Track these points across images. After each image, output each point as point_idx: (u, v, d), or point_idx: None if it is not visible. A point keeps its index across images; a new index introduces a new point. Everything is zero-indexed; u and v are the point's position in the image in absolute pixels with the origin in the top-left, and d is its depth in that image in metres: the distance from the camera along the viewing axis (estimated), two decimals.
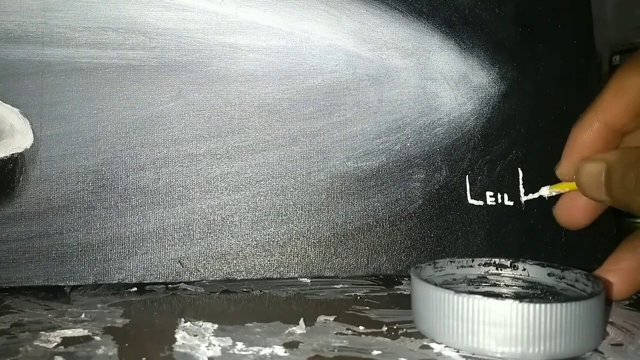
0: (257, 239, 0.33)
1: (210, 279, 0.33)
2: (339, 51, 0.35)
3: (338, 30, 0.35)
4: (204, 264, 0.32)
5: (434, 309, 0.24)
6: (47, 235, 0.31)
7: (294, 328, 0.26)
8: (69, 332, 0.25)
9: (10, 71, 0.32)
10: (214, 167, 0.33)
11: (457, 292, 0.23)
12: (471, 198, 0.35)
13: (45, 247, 0.31)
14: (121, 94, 0.33)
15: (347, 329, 0.26)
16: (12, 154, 0.32)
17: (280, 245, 0.33)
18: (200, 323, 0.26)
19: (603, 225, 0.33)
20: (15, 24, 0.32)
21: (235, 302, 0.31)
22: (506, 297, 0.26)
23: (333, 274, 0.33)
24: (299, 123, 0.34)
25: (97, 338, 0.24)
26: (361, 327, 0.26)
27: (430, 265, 0.28)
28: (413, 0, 0.35)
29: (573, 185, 0.31)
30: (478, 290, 0.29)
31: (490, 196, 0.35)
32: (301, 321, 0.26)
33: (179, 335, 0.25)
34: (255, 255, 0.33)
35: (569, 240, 0.35)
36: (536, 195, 0.34)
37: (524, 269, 0.29)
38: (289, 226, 0.33)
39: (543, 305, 0.22)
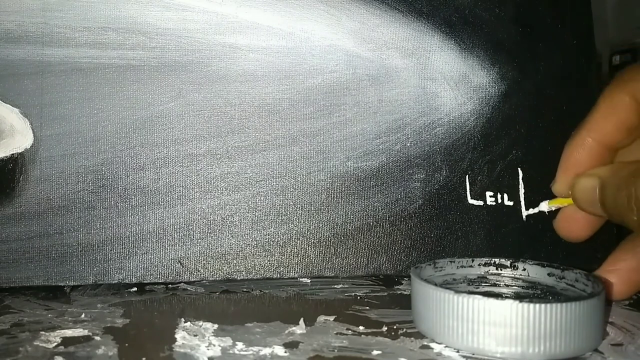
0: (257, 239, 0.33)
1: (210, 279, 0.33)
2: (339, 51, 0.35)
3: (338, 30, 0.35)
4: (204, 264, 0.32)
5: (434, 309, 0.24)
6: (47, 235, 0.31)
7: (294, 328, 0.26)
8: (69, 332, 0.25)
9: (10, 71, 0.32)
10: (214, 167, 0.33)
11: (457, 292, 0.23)
12: (471, 198, 0.35)
13: (45, 247, 0.31)
14: (121, 94, 0.33)
15: (347, 329, 0.26)
16: (12, 154, 0.32)
17: (280, 245, 0.33)
18: (200, 323, 0.26)
19: (603, 226, 0.33)
20: (15, 24, 0.32)
21: (235, 302, 0.31)
22: (506, 297, 0.26)
23: (333, 274, 0.33)
24: (299, 123, 0.34)
25: (97, 338, 0.24)
26: (361, 327, 0.26)
27: (430, 265, 0.28)
28: (413, 0, 0.35)
29: (571, 200, 0.31)
30: (478, 290, 0.29)
31: (490, 196, 0.35)
32: (301, 321, 0.26)
33: (179, 335, 0.25)
34: (255, 255, 0.33)
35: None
36: (536, 210, 0.34)
37: (524, 269, 0.29)
38: (289, 226, 0.33)
39: (543, 305, 0.22)
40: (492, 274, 0.29)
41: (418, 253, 0.34)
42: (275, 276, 0.33)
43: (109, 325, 0.26)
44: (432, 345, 0.24)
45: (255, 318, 0.27)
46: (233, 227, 0.33)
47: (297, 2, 0.35)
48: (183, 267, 0.32)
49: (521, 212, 0.35)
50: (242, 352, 0.23)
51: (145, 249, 0.32)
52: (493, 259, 0.29)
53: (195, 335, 0.25)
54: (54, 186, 0.32)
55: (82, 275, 0.31)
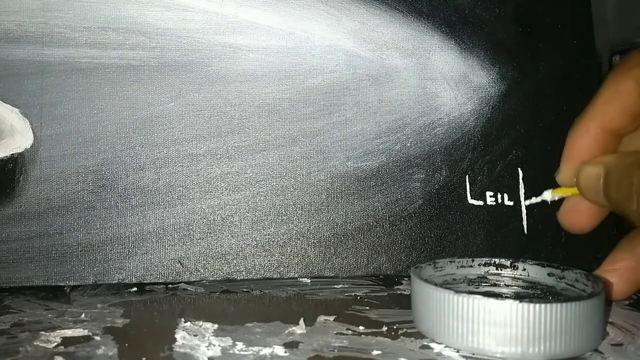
0: (257, 239, 0.33)
1: (210, 279, 0.33)
2: (339, 51, 0.35)
3: (338, 30, 0.35)
4: (204, 264, 0.32)
5: (434, 309, 0.24)
6: (47, 235, 0.31)
7: (294, 328, 0.26)
8: (69, 332, 0.25)
9: (10, 71, 0.32)
10: (214, 167, 0.33)
11: (457, 292, 0.23)
12: (471, 198, 0.35)
13: (45, 247, 0.31)
14: (121, 94, 0.33)
15: (347, 329, 0.26)
16: (12, 154, 0.32)
17: (280, 245, 0.33)
18: (200, 323, 0.26)
19: (603, 225, 0.33)
20: (15, 24, 0.32)
21: (235, 302, 0.31)
22: (506, 297, 0.26)
23: (333, 274, 0.33)
24: (299, 123, 0.34)
25: (97, 338, 0.24)
26: (361, 327, 0.26)
27: (430, 265, 0.28)
28: (413, 0, 0.35)
29: (575, 189, 0.31)
30: (478, 290, 0.29)
31: (490, 196, 0.35)
32: (301, 321, 0.26)
33: (179, 335, 0.25)
34: (255, 255, 0.33)
35: (569, 240, 0.35)
36: (539, 199, 0.34)
37: (524, 269, 0.29)
38: (289, 226, 0.33)
39: (543, 305, 0.22)
40: (492, 274, 0.29)
41: (418, 253, 0.34)
42: (275, 276, 0.33)
43: (109, 325, 0.26)
44: (432, 345, 0.24)
45: (255, 318, 0.27)
46: (233, 227, 0.33)
47: (297, 2, 0.35)
48: (183, 267, 0.32)
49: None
50: (242, 352, 0.23)
51: (145, 249, 0.32)
52: (493, 259, 0.29)
53: (195, 335, 0.25)
54: (54, 186, 0.32)
55: (82, 275, 0.31)
